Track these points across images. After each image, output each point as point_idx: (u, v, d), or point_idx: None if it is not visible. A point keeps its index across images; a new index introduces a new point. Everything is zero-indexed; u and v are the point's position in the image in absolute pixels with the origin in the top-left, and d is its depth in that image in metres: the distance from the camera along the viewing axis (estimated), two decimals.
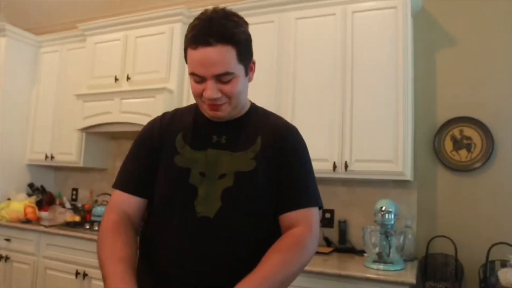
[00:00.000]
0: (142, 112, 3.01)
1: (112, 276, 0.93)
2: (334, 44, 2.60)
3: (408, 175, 2.37)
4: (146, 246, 1.14)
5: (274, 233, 1.11)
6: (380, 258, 2.21)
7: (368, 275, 2.05)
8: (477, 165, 2.47)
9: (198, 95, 1.09)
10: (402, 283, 1.98)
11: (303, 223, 1.09)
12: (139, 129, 3.20)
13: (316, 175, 2.51)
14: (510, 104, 2.45)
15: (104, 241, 1.04)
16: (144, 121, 3.03)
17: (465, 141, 2.50)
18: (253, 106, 1.25)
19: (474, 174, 2.48)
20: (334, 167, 2.50)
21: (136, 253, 1.07)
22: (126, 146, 3.70)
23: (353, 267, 2.22)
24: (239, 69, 1.07)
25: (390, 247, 2.21)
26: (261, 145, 1.14)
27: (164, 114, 1.26)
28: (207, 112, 1.13)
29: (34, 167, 3.87)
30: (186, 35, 1.07)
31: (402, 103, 2.38)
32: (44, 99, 3.78)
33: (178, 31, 3.09)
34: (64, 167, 3.90)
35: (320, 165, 2.51)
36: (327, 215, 2.82)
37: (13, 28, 3.67)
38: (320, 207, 1.16)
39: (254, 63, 1.17)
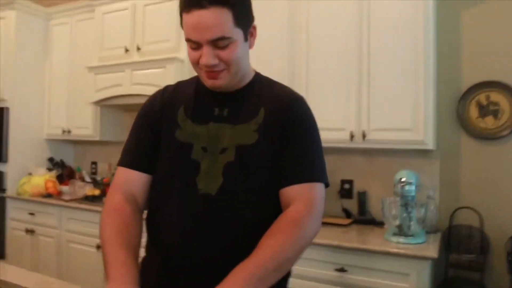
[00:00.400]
0: (153, 83, 2.94)
1: (113, 262, 0.91)
2: (349, 7, 2.43)
3: (430, 144, 2.24)
4: (151, 226, 1.11)
5: (277, 214, 1.04)
6: (401, 231, 2.14)
7: (388, 249, 1.99)
8: (505, 132, 2.31)
9: (195, 63, 1.02)
10: (423, 257, 1.92)
11: (303, 200, 1.00)
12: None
13: (332, 145, 2.44)
14: None
15: (106, 223, 1.01)
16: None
17: (491, 107, 2.34)
18: (257, 76, 1.16)
19: (502, 142, 2.33)
20: (352, 136, 2.39)
21: (139, 234, 1.04)
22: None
23: (373, 240, 2.16)
24: (236, 33, 0.99)
25: (410, 220, 2.13)
26: (264, 116, 1.06)
27: (166, 87, 1.20)
28: (205, 81, 1.05)
29: (53, 141, 3.90)
30: None
31: (422, 68, 2.23)
32: (57, 72, 3.76)
33: None
34: (83, 141, 3.91)
35: (336, 134, 2.42)
36: (346, 185, 2.74)
37: (22, 0, 3.60)
38: (326, 185, 1.07)
39: (254, 28, 1.07)
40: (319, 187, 1.04)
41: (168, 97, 1.15)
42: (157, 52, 3.01)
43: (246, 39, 1.03)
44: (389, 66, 2.32)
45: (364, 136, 2.37)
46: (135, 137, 1.15)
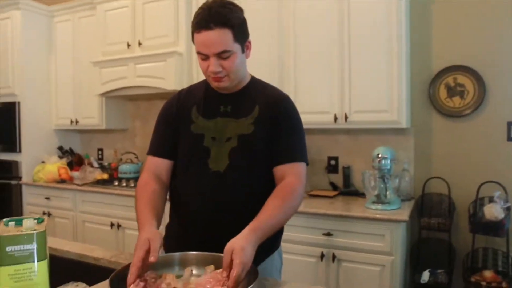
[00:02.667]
0: (155, 75, 3.22)
1: (140, 222, 1.21)
2: (332, 3, 2.71)
3: (403, 123, 2.56)
4: (174, 197, 1.44)
5: (271, 184, 1.37)
6: (378, 199, 2.47)
7: (366, 215, 2.33)
8: (469, 111, 2.63)
9: (205, 70, 1.31)
10: (396, 220, 2.26)
11: (294, 174, 1.32)
12: (154, 91, 3.35)
13: (319, 126, 2.77)
14: (502, 52, 2.56)
15: (136, 196, 1.34)
16: (158, 83, 3.24)
17: (458, 89, 2.65)
18: (253, 79, 1.45)
19: (466, 119, 2.65)
20: (335, 118, 2.70)
21: (161, 202, 1.34)
22: (144, 107, 3.95)
23: (354, 208, 2.49)
24: (236, 47, 1.27)
25: (387, 189, 2.46)
26: (258, 112, 1.36)
27: (181, 91, 1.49)
28: (212, 83, 1.35)
29: (61, 131, 4.19)
30: (192, 22, 1.29)
31: (396, 56, 2.52)
32: (62, 66, 4.01)
33: None
34: (88, 130, 4.20)
35: (322, 117, 2.73)
36: (332, 162, 3.06)
37: (26, 0, 3.82)
38: (307, 164, 1.39)
39: (249, 42, 1.35)
40: (303, 165, 1.36)
41: (183, 100, 1.45)
42: (157, 47, 3.28)
43: (243, 51, 1.32)
44: (367, 55, 2.61)
45: (346, 118, 2.68)
46: (158, 132, 1.47)
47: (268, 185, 1.36)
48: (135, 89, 3.39)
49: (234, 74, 1.32)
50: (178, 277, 1.09)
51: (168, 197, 1.43)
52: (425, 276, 2.45)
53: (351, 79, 2.66)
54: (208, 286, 1.01)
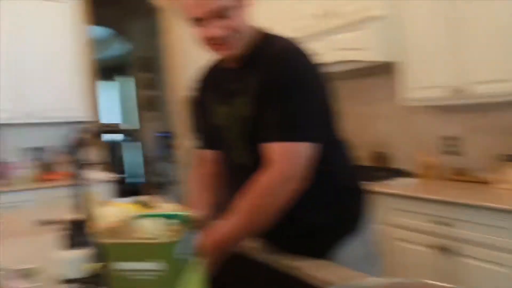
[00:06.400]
0: (354, 47, 2.65)
1: None
2: None
3: None
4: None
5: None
6: None
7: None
8: None
9: (203, 39, 1.01)
10: None
11: (278, 161, 0.96)
12: (352, 66, 2.83)
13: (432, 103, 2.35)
14: None
15: None
16: (358, 56, 2.69)
17: None
18: (263, 37, 1.09)
19: None
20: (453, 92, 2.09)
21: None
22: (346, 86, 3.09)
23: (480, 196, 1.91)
24: None
25: None
26: (257, 88, 1.03)
27: (198, 79, 1.26)
28: (216, 53, 1.06)
29: None
30: None
31: None
32: None
33: None
34: None
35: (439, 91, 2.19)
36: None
37: None
38: (316, 140, 0.99)
39: None
40: (297, 146, 0.96)
41: (203, 87, 1.26)
42: (350, 14, 2.65)
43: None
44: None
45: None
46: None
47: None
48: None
49: (240, 35, 1.01)
50: None
51: None
52: None
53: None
54: None
